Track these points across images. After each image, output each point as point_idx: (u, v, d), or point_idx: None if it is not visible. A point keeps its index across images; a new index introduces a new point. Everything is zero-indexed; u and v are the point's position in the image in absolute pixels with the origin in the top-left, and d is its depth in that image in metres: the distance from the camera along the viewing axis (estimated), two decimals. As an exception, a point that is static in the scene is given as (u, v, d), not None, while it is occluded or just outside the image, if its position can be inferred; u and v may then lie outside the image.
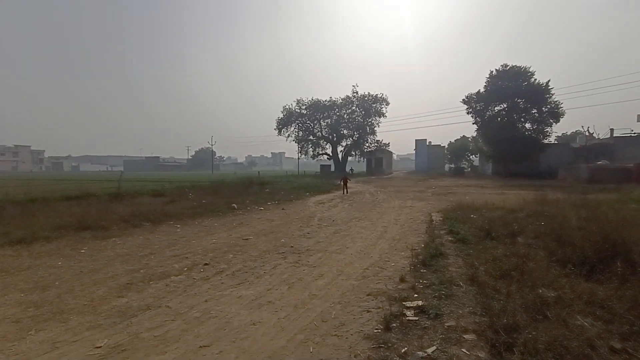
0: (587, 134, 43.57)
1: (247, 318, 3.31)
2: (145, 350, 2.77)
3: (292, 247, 6.22)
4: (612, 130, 35.84)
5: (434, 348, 2.59)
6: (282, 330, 3.07)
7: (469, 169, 50.37)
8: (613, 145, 31.81)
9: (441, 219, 8.70)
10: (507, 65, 33.15)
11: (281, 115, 45.92)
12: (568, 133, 56.28)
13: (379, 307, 3.41)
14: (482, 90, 33.94)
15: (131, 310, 3.50)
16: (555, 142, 38.32)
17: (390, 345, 2.69)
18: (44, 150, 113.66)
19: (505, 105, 32.84)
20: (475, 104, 34.33)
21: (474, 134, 43.34)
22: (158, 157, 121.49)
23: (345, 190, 17.49)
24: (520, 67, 32.54)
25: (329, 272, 4.69)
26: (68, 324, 3.19)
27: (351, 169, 44.50)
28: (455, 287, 3.80)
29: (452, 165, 52.64)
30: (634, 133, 34.03)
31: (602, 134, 40.05)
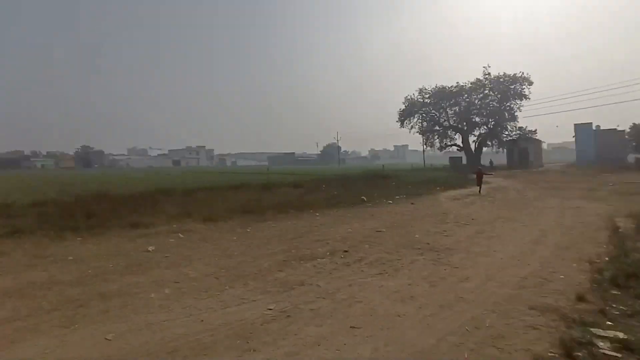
0: None
1: (391, 309, 3.37)
2: (305, 320, 3.18)
3: (428, 244, 5.96)
4: None
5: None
6: (428, 328, 2.98)
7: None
8: None
9: (633, 226, 6.61)
10: None
11: (403, 107, 44.23)
12: None
13: (550, 326, 2.87)
14: None
15: (290, 284, 4.10)
16: None
17: (574, 375, 2.23)
18: (213, 149, 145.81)
19: None
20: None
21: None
22: (293, 152, 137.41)
23: (479, 186, 15.14)
24: None
25: (476, 276, 4.26)
26: (247, 286, 4.01)
27: (490, 161, 38.91)
28: (674, 321, 2.81)
29: (641, 156, 39.07)
30: None
31: None
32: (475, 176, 15.87)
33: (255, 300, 3.61)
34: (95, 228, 6.95)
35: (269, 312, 3.36)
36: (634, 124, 44.71)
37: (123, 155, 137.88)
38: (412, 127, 44.57)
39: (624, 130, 45.84)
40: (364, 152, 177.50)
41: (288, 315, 3.28)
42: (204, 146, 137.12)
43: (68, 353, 2.65)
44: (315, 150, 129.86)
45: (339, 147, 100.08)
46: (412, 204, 11.26)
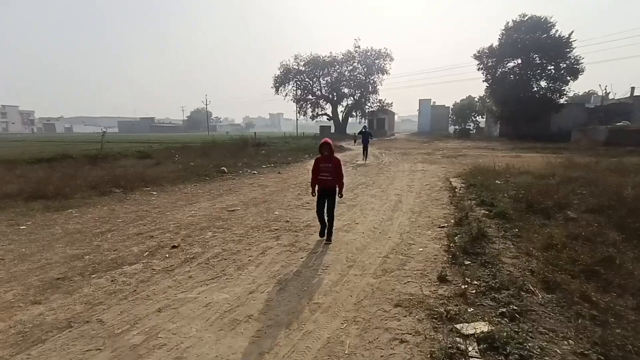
0: (603, 93, 41.06)
1: (211, 349, 2.13)
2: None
3: (287, 222, 5.01)
4: (632, 89, 33.36)
5: None
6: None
7: (474, 131, 48.26)
8: (632, 105, 29.74)
9: (463, 185, 7.45)
10: (525, 15, 29.91)
11: (278, 73, 42.76)
12: (580, 93, 53.18)
13: (418, 332, 2.22)
14: (495, 44, 31.01)
15: (39, 332, 2.31)
16: (567, 102, 35.90)
17: None
18: (34, 111, 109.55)
19: (519, 61, 30.16)
20: (487, 59, 31.51)
21: (483, 94, 40.54)
22: (153, 117, 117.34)
23: (365, 151, 14.70)
24: (539, 17, 29.27)
25: (337, 262, 3.50)
26: None
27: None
28: (525, 294, 2.60)
29: (457, 127, 50.42)
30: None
31: (619, 93, 37.55)
32: (358, 141, 15.56)
33: None
34: None
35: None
36: (455, 102, 56.54)
37: None
38: (286, 94, 43.75)
39: (449, 107, 57.43)
40: (238, 120, 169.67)
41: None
42: (17, 106, 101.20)
43: None
44: (180, 116, 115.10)
45: (209, 113, 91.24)
46: (279, 173, 10.32)
